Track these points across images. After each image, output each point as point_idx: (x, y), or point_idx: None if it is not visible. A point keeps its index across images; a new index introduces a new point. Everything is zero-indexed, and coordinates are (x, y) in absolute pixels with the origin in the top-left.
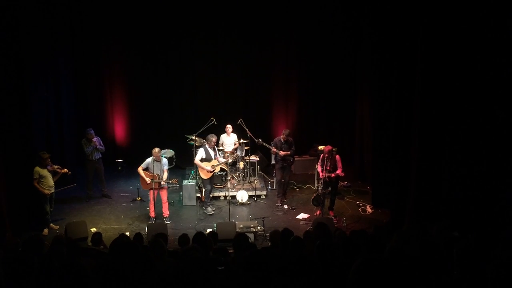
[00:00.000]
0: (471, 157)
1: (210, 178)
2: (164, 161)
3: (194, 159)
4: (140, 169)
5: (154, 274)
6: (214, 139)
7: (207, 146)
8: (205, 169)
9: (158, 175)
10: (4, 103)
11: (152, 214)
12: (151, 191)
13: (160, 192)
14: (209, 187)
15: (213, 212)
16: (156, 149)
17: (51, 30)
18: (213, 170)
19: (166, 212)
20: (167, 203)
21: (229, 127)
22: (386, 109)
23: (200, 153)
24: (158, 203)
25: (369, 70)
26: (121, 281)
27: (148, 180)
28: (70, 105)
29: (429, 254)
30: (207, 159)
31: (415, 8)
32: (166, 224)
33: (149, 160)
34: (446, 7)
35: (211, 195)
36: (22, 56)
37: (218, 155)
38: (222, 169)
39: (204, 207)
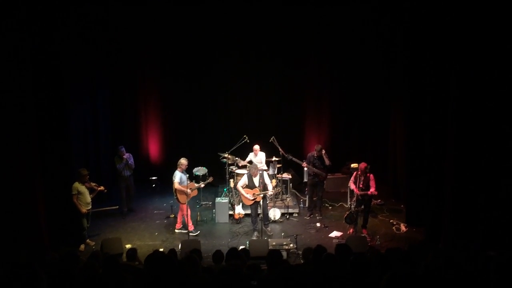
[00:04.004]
0: (508, 175)
1: (253, 205)
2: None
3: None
4: (179, 186)
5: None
6: (255, 170)
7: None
8: (245, 196)
9: (192, 184)
10: (45, 121)
11: (192, 227)
12: (185, 205)
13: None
14: (254, 212)
15: (256, 238)
16: (185, 161)
17: (89, 52)
18: (254, 199)
19: (180, 225)
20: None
21: (256, 148)
22: (420, 126)
23: (243, 179)
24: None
25: (403, 87)
26: None
27: (189, 191)
28: (106, 124)
29: (466, 273)
30: (249, 186)
31: (449, 27)
32: (199, 240)
33: (180, 174)
34: (481, 26)
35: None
36: (62, 77)
37: (269, 183)
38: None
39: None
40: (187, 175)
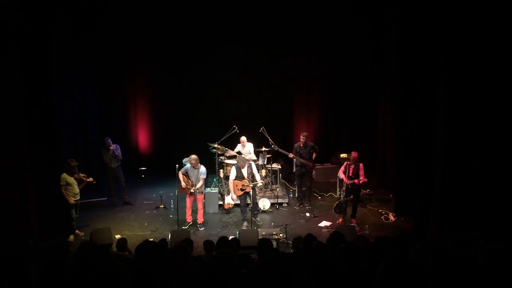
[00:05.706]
0: (497, 163)
1: (242, 196)
2: (202, 170)
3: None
4: (180, 173)
5: (182, 276)
6: (243, 162)
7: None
8: (235, 189)
9: (192, 182)
10: (32, 111)
11: (189, 218)
12: (188, 197)
13: (197, 199)
14: (243, 202)
15: (246, 228)
16: (193, 156)
17: (77, 42)
18: (243, 190)
19: (200, 219)
20: (202, 210)
21: (243, 139)
22: (409, 115)
23: (232, 172)
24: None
25: (392, 78)
26: (149, 284)
27: (183, 184)
28: (95, 115)
29: (454, 262)
30: (238, 177)
31: (438, 19)
32: (189, 231)
33: (188, 166)
34: (470, 18)
35: (250, 210)
36: (50, 67)
37: (257, 173)
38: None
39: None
40: (203, 175)
